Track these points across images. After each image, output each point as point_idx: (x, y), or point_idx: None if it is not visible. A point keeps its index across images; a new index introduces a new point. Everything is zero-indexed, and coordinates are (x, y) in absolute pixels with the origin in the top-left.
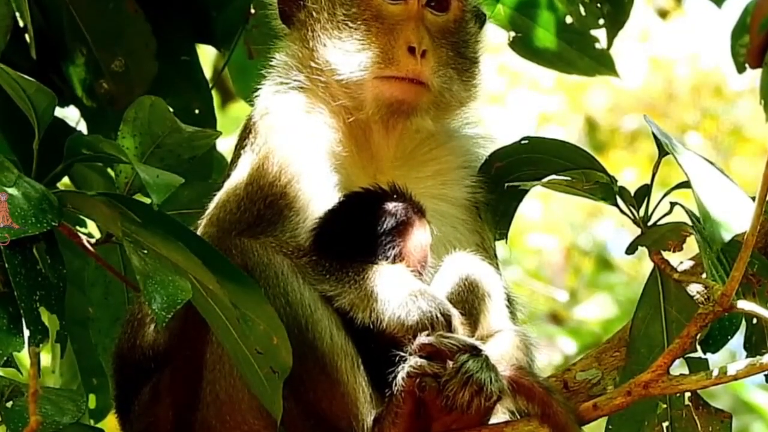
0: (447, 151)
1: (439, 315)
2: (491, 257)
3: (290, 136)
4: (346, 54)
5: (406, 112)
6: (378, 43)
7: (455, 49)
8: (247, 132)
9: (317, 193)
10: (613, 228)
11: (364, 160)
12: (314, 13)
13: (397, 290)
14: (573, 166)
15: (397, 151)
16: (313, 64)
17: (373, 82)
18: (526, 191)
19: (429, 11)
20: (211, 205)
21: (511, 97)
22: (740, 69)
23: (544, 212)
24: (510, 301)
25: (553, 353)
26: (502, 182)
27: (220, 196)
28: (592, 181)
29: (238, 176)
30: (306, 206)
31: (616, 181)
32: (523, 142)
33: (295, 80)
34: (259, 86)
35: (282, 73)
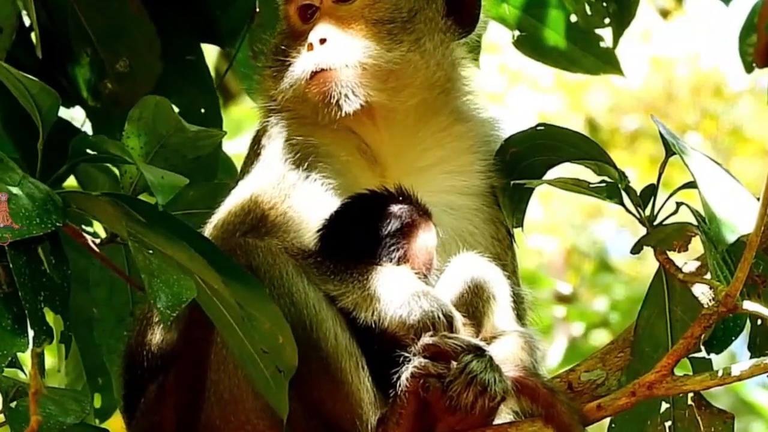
0: (451, 137)
1: (440, 315)
2: (506, 248)
3: (292, 147)
4: (281, 79)
5: (339, 98)
6: (296, 56)
7: (375, 20)
8: (254, 142)
9: (320, 197)
10: (614, 229)
11: (367, 161)
12: (266, 52)
13: (399, 290)
14: (586, 156)
15: (396, 144)
16: (273, 91)
17: (303, 91)
18: (540, 177)
19: (339, 5)
20: (217, 213)
21: (510, 97)
22: (748, 68)
23: (545, 213)
24: (519, 299)
25: (559, 336)
26: (518, 167)
27: (226, 202)
28: (604, 173)
29: (243, 184)
30: (309, 210)
31: (626, 177)
32: (539, 128)
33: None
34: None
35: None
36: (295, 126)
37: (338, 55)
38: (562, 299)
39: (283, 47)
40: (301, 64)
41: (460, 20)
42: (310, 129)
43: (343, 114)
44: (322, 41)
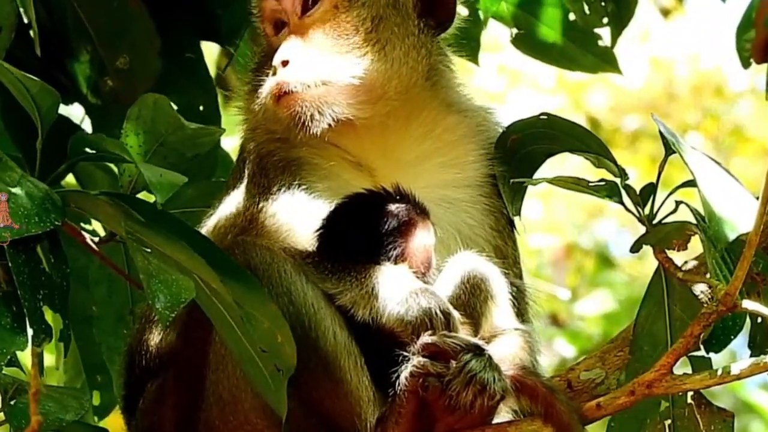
0: (442, 128)
1: (438, 312)
2: (506, 239)
3: (274, 159)
4: (257, 94)
5: (306, 119)
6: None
7: (335, 33)
8: (242, 147)
9: (308, 201)
10: (615, 228)
11: (354, 163)
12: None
13: (397, 288)
14: (587, 149)
15: (380, 146)
16: (247, 109)
17: (273, 112)
18: (539, 165)
19: (306, 18)
20: (209, 219)
21: (511, 97)
22: (745, 64)
23: (546, 212)
24: (520, 293)
25: (551, 356)
26: (518, 154)
27: (217, 209)
28: (603, 166)
29: (230, 197)
30: (297, 215)
31: (626, 174)
32: (541, 117)
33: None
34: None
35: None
36: (274, 141)
37: (299, 76)
38: (556, 321)
39: (259, 65)
40: (267, 87)
41: (437, 17)
42: (290, 143)
43: (315, 133)
44: (285, 63)
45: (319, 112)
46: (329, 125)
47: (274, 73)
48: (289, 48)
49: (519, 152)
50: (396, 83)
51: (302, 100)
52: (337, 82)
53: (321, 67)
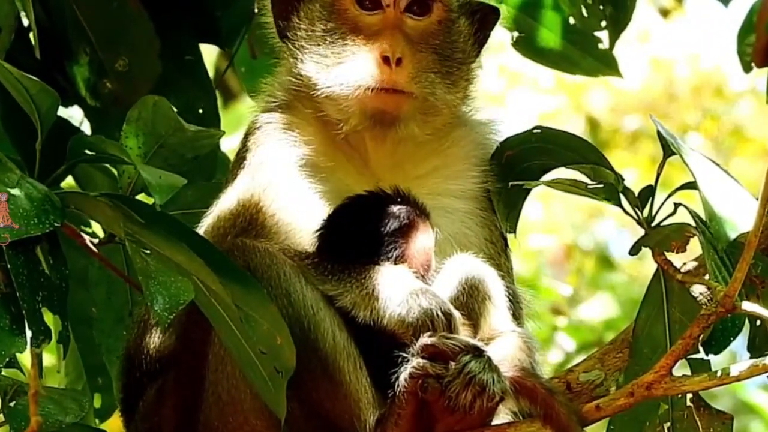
0: (449, 143)
1: (439, 313)
2: (500, 250)
3: (281, 150)
4: (326, 69)
5: (390, 121)
6: (356, 55)
7: (439, 52)
8: (243, 144)
9: (309, 200)
10: (615, 229)
11: (359, 167)
12: (297, 30)
13: (398, 289)
14: (582, 160)
15: (395, 153)
16: (297, 80)
17: (354, 95)
18: (534, 182)
19: (408, 17)
20: (207, 217)
21: (511, 98)
22: (746, 68)
23: (545, 213)
24: (515, 299)
25: (554, 350)
26: (513, 170)
27: (216, 207)
28: (599, 178)
29: (232, 188)
30: (297, 214)
31: (623, 179)
32: (535, 131)
33: (286, 94)
34: (263, 89)
35: (274, 88)
36: (293, 126)
37: (411, 82)
38: (558, 314)
39: (335, 35)
40: (375, 74)
41: (482, 45)
42: (309, 131)
43: (385, 137)
44: (399, 61)
45: (406, 123)
46: (393, 130)
47: (386, 63)
48: (400, 44)
49: (515, 169)
50: (454, 107)
51: (404, 106)
52: (433, 102)
53: (429, 80)
